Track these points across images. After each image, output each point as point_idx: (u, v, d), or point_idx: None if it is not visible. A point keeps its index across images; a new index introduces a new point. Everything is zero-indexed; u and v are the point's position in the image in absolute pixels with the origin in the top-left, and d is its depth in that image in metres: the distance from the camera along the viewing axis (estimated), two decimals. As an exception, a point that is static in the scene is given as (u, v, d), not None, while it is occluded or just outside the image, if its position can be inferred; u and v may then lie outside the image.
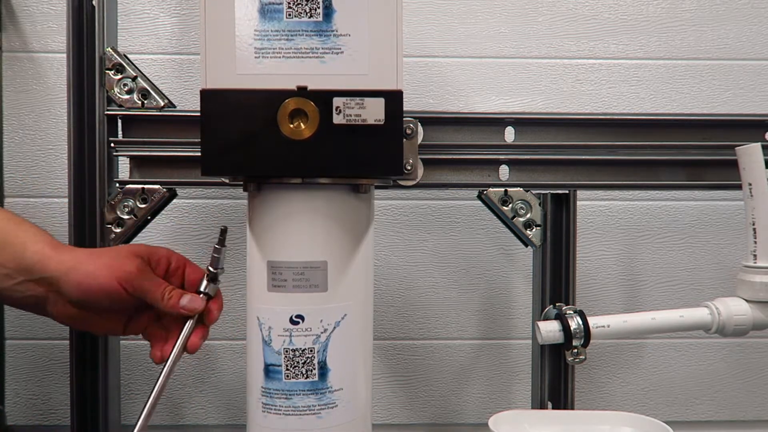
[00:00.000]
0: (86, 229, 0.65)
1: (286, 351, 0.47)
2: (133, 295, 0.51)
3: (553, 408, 0.67)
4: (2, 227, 0.53)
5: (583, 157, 0.68)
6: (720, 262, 0.88)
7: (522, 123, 0.67)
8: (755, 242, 0.61)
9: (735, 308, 0.61)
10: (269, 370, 0.48)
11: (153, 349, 0.54)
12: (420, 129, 0.65)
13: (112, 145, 0.65)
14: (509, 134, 0.68)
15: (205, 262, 0.55)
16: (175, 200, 0.67)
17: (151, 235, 0.82)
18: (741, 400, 0.90)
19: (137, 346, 0.86)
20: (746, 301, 0.62)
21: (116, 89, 0.65)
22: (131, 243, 0.63)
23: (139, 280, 0.51)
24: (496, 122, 0.67)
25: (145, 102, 0.65)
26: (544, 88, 0.87)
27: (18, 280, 0.51)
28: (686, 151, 0.68)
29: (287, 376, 0.47)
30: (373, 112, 0.45)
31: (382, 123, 0.46)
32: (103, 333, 0.56)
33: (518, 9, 0.86)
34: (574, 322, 0.61)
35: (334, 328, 0.48)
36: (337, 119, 0.45)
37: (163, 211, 0.67)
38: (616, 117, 0.69)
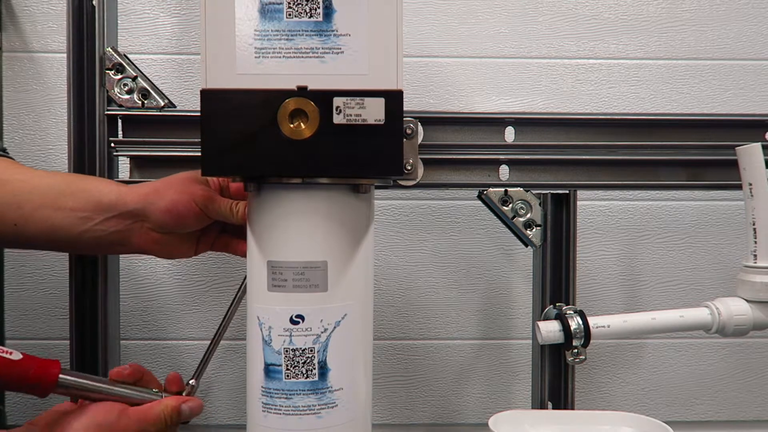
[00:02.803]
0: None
1: (287, 351, 0.47)
2: (207, 215, 0.56)
3: (553, 408, 0.67)
4: (70, 179, 0.58)
5: (583, 157, 0.68)
6: (720, 262, 0.88)
7: (522, 123, 0.67)
8: (755, 242, 0.61)
9: (735, 308, 0.61)
10: (269, 370, 0.48)
11: (236, 250, 0.60)
12: (420, 129, 0.65)
13: (112, 145, 0.65)
14: (509, 134, 0.68)
15: (205, 264, 0.55)
16: (175, 200, 0.67)
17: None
18: (741, 400, 0.90)
19: (137, 346, 0.86)
20: (746, 301, 0.62)
21: (116, 89, 0.65)
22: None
23: (210, 201, 0.56)
24: (496, 122, 0.67)
25: (145, 102, 0.65)
26: (544, 88, 0.87)
27: (98, 220, 0.55)
28: (686, 151, 0.68)
29: (287, 375, 0.47)
30: (374, 112, 0.45)
31: (383, 123, 0.46)
32: (178, 256, 0.60)
33: (518, 9, 0.86)
34: (574, 322, 0.61)
35: (335, 328, 0.48)
36: (338, 119, 0.45)
37: (163, 211, 0.67)
38: (616, 117, 0.69)
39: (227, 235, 0.60)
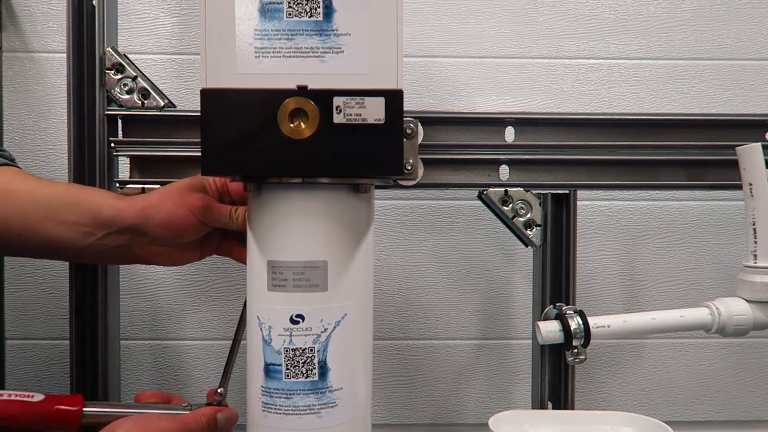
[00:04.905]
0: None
1: (287, 350, 0.47)
2: (207, 224, 0.56)
3: (553, 408, 0.67)
4: (71, 191, 0.57)
5: (583, 157, 0.68)
6: (720, 262, 0.88)
7: (522, 123, 0.67)
8: (755, 242, 0.61)
9: (735, 308, 0.61)
10: (269, 370, 0.48)
11: (239, 257, 0.59)
12: (420, 129, 0.65)
13: (112, 145, 0.65)
14: (509, 134, 0.68)
15: (205, 264, 0.54)
16: (175, 200, 0.67)
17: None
18: (741, 400, 0.90)
19: (137, 346, 0.86)
20: (746, 301, 0.62)
21: (116, 89, 0.65)
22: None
23: (209, 210, 0.55)
24: (496, 122, 0.67)
25: (145, 102, 0.65)
26: (544, 88, 0.87)
27: (99, 235, 0.55)
28: (686, 151, 0.68)
29: (287, 375, 0.47)
30: (374, 111, 0.45)
31: (383, 123, 0.46)
32: (183, 263, 0.60)
33: (518, 9, 0.86)
34: (574, 322, 0.61)
35: (335, 327, 0.48)
36: (338, 119, 0.45)
37: (163, 211, 0.67)
38: (616, 117, 0.69)
39: (229, 240, 0.60)
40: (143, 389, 0.86)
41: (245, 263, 0.55)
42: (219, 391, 0.55)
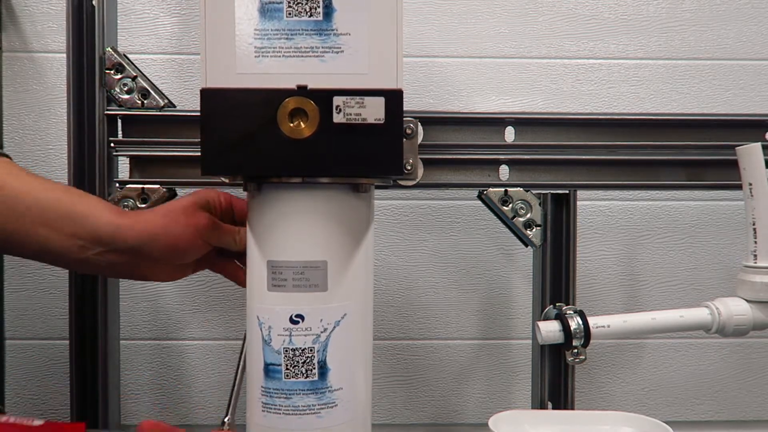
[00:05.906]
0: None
1: (286, 350, 0.47)
2: (210, 243, 0.55)
3: (553, 408, 0.67)
4: (71, 199, 0.53)
5: (583, 157, 0.68)
6: (720, 262, 0.88)
7: (522, 123, 0.67)
8: (755, 242, 0.61)
9: (735, 308, 0.61)
10: (269, 370, 0.47)
11: (230, 274, 0.59)
12: (420, 129, 0.65)
13: (112, 144, 0.65)
14: (509, 134, 0.68)
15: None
16: (175, 200, 0.67)
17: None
18: (741, 400, 0.90)
19: (137, 346, 0.86)
20: (746, 301, 0.62)
21: (116, 89, 0.65)
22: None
23: (214, 231, 0.55)
24: (496, 122, 0.67)
25: (145, 102, 0.65)
26: (544, 88, 0.87)
27: (96, 251, 0.53)
28: (686, 151, 0.68)
29: (287, 375, 0.47)
30: (374, 111, 0.45)
31: (383, 122, 0.46)
32: (177, 278, 0.59)
33: (518, 9, 0.86)
34: (574, 322, 0.61)
35: (334, 327, 0.48)
36: (337, 118, 0.45)
37: (163, 211, 0.67)
38: (616, 117, 0.69)
39: (225, 258, 0.59)
40: (143, 389, 0.87)
41: (237, 282, 0.55)
42: (226, 420, 0.54)
